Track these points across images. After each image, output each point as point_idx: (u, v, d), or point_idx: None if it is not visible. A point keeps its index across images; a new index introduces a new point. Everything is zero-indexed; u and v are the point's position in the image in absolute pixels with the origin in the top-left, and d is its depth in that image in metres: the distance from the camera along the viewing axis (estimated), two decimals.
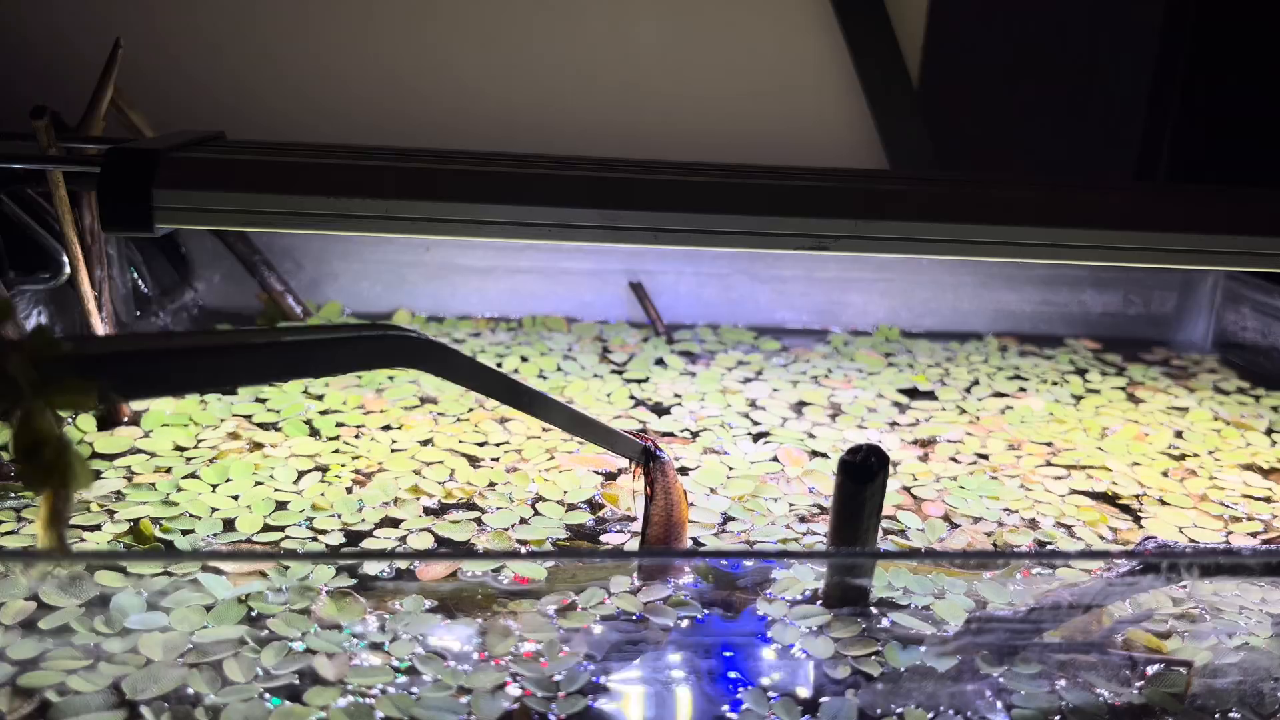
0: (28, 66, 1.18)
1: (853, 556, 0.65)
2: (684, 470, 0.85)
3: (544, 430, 0.91)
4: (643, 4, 1.23)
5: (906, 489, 0.83)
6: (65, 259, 0.86)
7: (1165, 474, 0.89)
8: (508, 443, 0.88)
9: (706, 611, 0.64)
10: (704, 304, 1.24)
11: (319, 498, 0.77)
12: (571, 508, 0.78)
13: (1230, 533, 0.80)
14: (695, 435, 0.92)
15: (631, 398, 1.00)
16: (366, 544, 0.71)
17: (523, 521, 0.75)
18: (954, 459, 0.90)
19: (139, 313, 1.06)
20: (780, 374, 1.08)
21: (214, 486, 0.78)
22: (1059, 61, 1.30)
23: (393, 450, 0.85)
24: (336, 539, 0.72)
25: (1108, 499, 0.84)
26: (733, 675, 0.59)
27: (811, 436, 0.93)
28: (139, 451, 0.83)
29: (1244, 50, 1.28)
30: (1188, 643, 0.63)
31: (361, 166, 0.78)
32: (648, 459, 0.70)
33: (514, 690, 0.56)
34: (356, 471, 0.82)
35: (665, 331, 1.19)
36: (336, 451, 0.85)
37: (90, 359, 0.37)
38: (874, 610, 0.65)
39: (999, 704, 0.57)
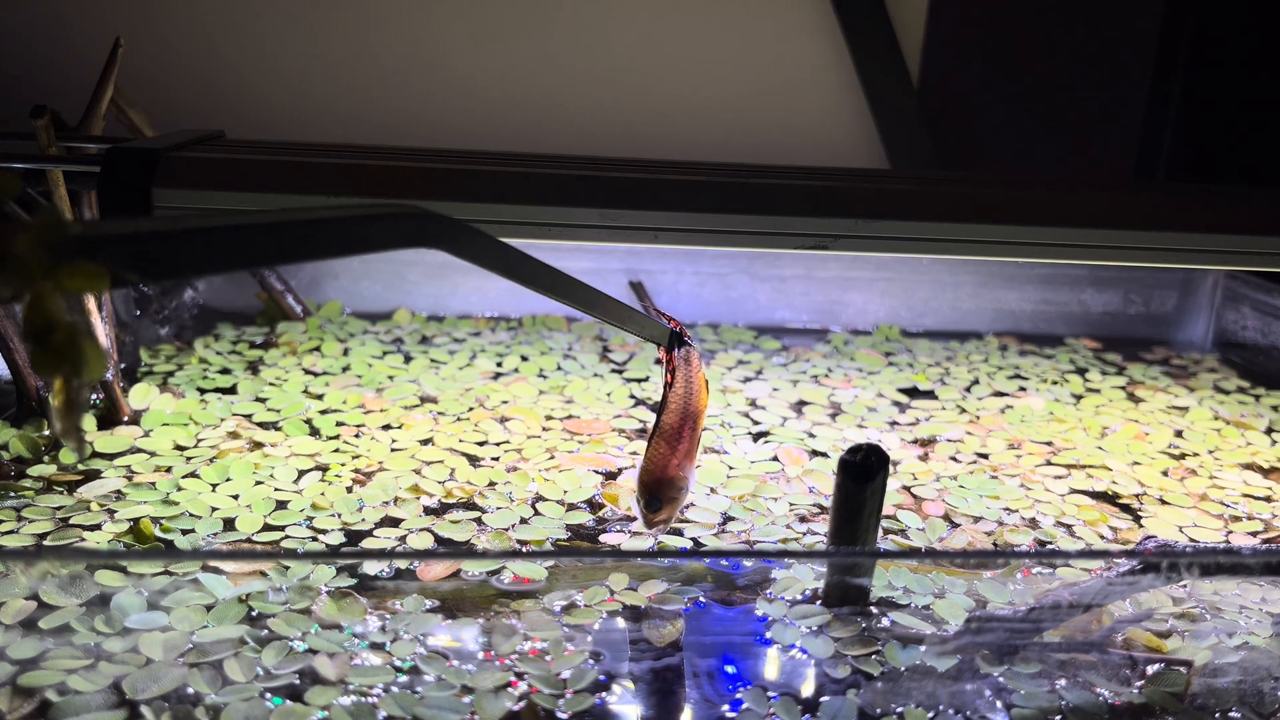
0: (28, 66, 1.18)
1: (853, 556, 0.65)
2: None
3: (544, 430, 0.91)
4: (642, 4, 1.23)
5: (906, 488, 0.83)
6: None
7: (1165, 473, 0.89)
8: (508, 442, 0.88)
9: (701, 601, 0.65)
10: (704, 303, 1.24)
11: (319, 497, 0.77)
12: (571, 508, 0.78)
13: (1230, 532, 0.80)
14: None
15: (631, 397, 1.00)
16: (366, 544, 0.71)
17: (523, 521, 0.75)
18: (954, 458, 0.90)
19: (139, 312, 1.06)
20: (780, 373, 1.08)
21: (214, 486, 0.78)
22: (1059, 62, 1.30)
23: (393, 450, 0.85)
24: (336, 539, 0.72)
25: (1108, 498, 0.84)
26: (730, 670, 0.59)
27: (811, 436, 0.93)
28: (139, 451, 0.83)
29: (1243, 50, 1.28)
30: (1188, 642, 0.63)
31: (362, 166, 0.78)
32: (674, 343, 0.69)
33: (515, 690, 0.56)
34: (356, 471, 0.82)
35: None
36: (336, 451, 0.85)
37: (102, 239, 0.35)
38: (874, 610, 0.65)
39: (999, 704, 0.57)
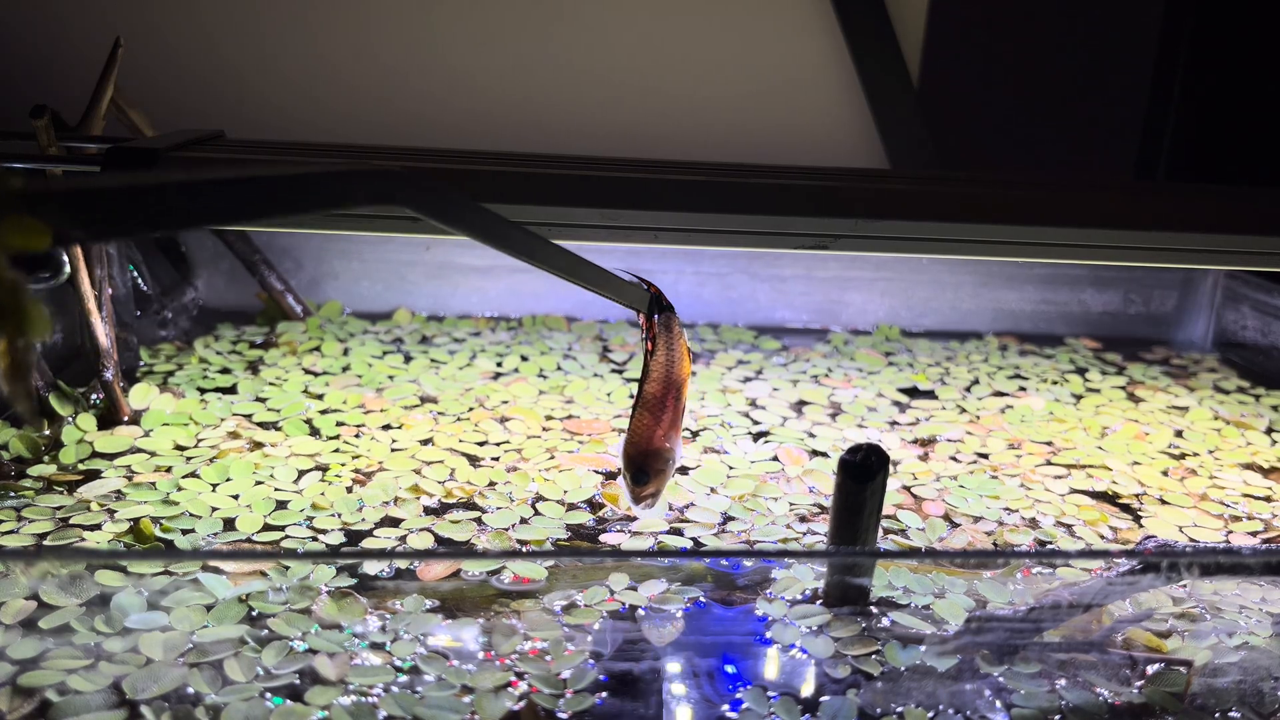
0: (28, 66, 1.18)
1: (853, 556, 0.65)
2: (684, 470, 0.85)
3: (544, 430, 0.91)
4: (642, 4, 1.23)
5: (906, 488, 0.83)
6: (65, 258, 0.86)
7: (1165, 473, 0.89)
8: (508, 442, 0.88)
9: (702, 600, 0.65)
10: (704, 303, 1.24)
11: (319, 497, 0.77)
12: (571, 507, 0.78)
13: (1230, 532, 0.80)
14: (695, 435, 0.92)
15: (631, 397, 1.00)
16: (366, 544, 0.71)
17: (523, 521, 0.75)
18: (954, 458, 0.90)
19: (139, 312, 1.06)
20: (780, 373, 1.08)
21: (214, 486, 0.78)
22: (1059, 61, 1.30)
23: (393, 450, 0.85)
24: (336, 538, 0.72)
25: (1108, 498, 0.84)
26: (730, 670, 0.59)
27: (811, 436, 0.93)
28: (139, 451, 0.83)
29: (1243, 50, 1.28)
30: (1188, 642, 0.63)
31: (360, 166, 0.78)
32: (654, 308, 0.66)
33: (515, 690, 0.56)
34: (356, 471, 0.82)
35: None
36: (336, 451, 0.85)
37: (45, 195, 0.34)
38: (874, 610, 0.65)
39: (999, 703, 0.57)
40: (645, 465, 0.67)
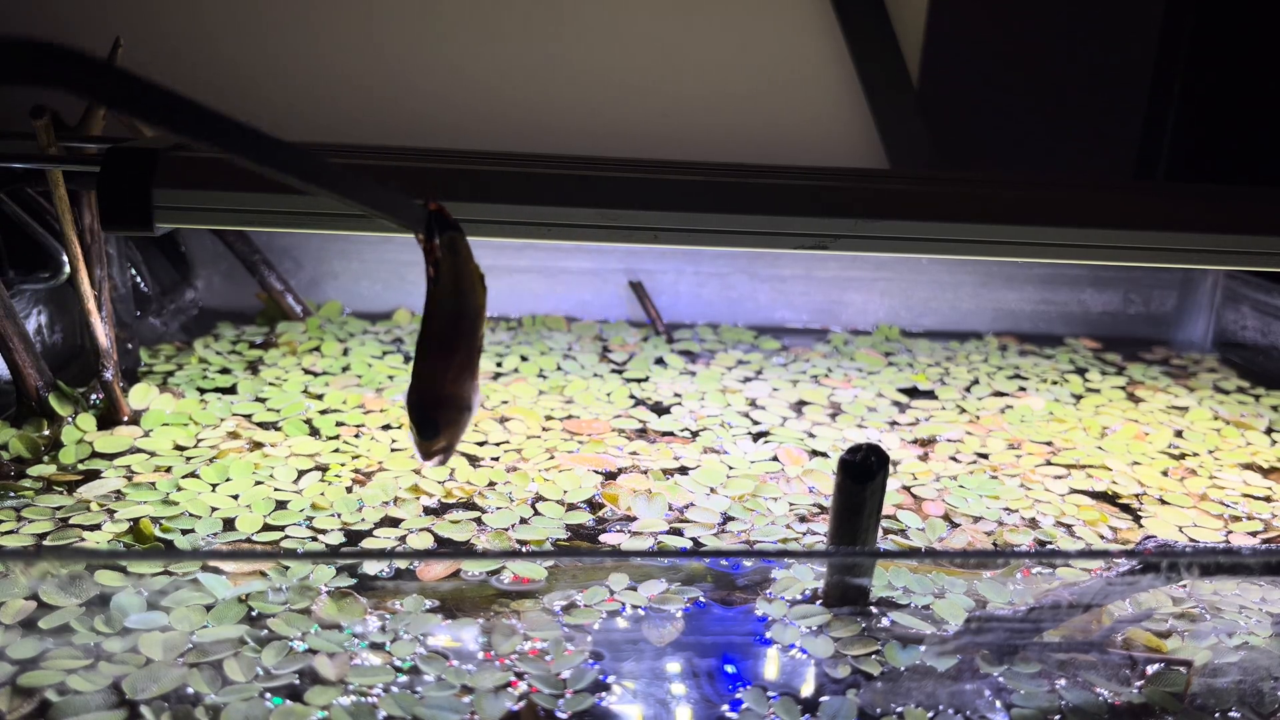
0: None
1: (853, 556, 0.65)
2: (684, 470, 0.85)
3: (544, 430, 0.91)
4: (643, 3, 1.23)
5: (906, 488, 0.83)
6: (65, 258, 0.86)
7: (1165, 473, 0.89)
8: (508, 442, 0.88)
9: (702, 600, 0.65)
10: (704, 303, 1.24)
11: (319, 497, 0.77)
12: (571, 508, 0.78)
13: (1230, 532, 0.80)
14: (695, 435, 0.92)
15: (631, 397, 1.00)
16: (366, 544, 0.71)
17: (523, 521, 0.75)
18: (954, 458, 0.90)
19: (139, 312, 1.06)
20: (780, 373, 1.08)
21: (214, 486, 0.78)
22: (1059, 61, 1.30)
23: (392, 450, 0.85)
24: (336, 538, 0.72)
25: (1108, 498, 0.84)
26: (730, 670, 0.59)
27: (811, 436, 0.93)
28: (139, 451, 0.83)
29: (1243, 50, 1.28)
30: (1188, 642, 0.63)
31: (361, 166, 0.78)
32: (432, 228, 0.55)
33: (515, 690, 0.56)
34: (356, 471, 0.81)
35: (665, 331, 1.19)
36: (336, 451, 0.85)
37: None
38: (874, 610, 0.65)
39: (999, 704, 0.57)
40: (435, 415, 0.56)
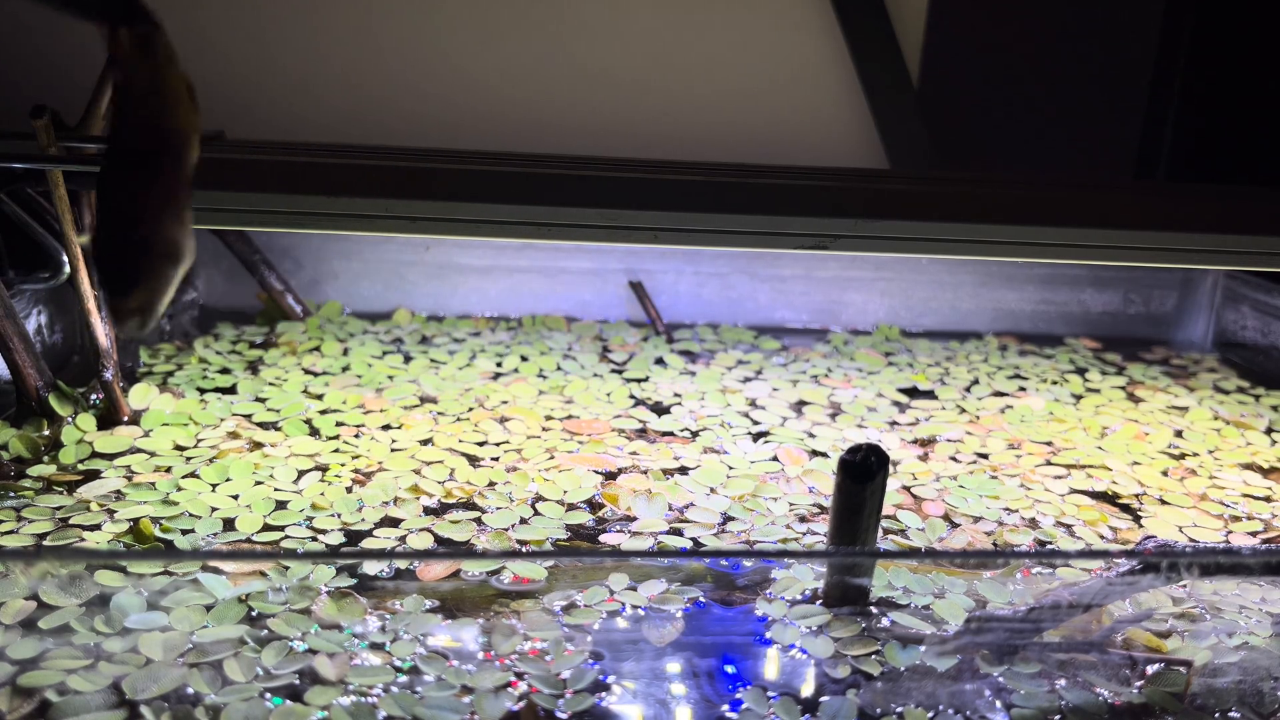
0: (28, 65, 1.17)
1: (853, 556, 0.65)
2: (684, 470, 0.85)
3: (544, 430, 0.91)
4: (642, 2, 1.23)
5: (906, 488, 0.83)
6: (65, 258, 0.86)
7: (1165, 473, 0.89)
8: (507, 442, 0.88)
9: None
10: (704, 303, 1.24)
11: (319, 497, 0.77)
12: (571, 508, 0.78)
13: (1230, 532, 0.80)
14: (695, 435, 0.92)
15: (631, 397, 1.00)
16: (366, 544, 0.71)
17: (523, 521, 0.75)
18: (954, 458, 0.90)
19: None
20: (780, 373, 1.08)
21: (214, 486, 0.78)
22: (1059, 61, 1.30)
23: (392, 450, 0.85)
24: (336, 539, 0.72)
25: (1107, 498, 0.84)
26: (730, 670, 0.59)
27: (811, 436, 0.93)
28: (139, 451, 0.83)
29: (1243, 50, 1.28)
30: (1188, 642, 0.63)
31: (361, 166, 0.78)
32: (118, 18, 0.41)
33: (515, 690, 0.56)
34: (356, 471, 0.81)
35: (665, 331, 1.19)
36: (336, 451, 0.85)
37: None
38: (874, 610, 0.65)
39: (999, 704, 0.57)
40: (127, 266, 0.42)
